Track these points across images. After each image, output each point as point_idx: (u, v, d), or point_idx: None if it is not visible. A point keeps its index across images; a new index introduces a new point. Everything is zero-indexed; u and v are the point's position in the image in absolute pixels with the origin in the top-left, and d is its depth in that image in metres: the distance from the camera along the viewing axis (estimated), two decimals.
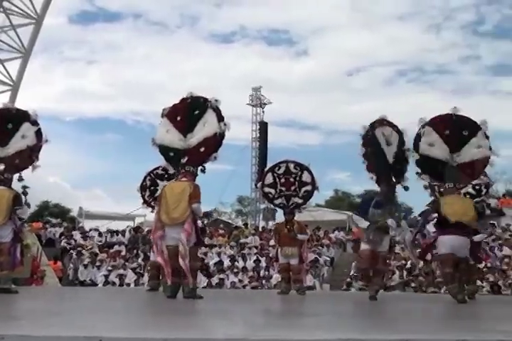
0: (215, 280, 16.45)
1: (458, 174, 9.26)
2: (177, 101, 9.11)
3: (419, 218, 10.87)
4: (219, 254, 18.52)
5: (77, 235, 20.60)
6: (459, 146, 9.45)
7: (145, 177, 11.80)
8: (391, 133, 9.56)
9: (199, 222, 9.33)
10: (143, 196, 11.81)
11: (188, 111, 8.92)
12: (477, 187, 11.28)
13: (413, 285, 15.63)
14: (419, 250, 10.74)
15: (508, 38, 68.78)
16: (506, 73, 67.72)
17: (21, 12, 36.37)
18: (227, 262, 17.83)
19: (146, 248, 16.25)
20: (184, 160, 8.65)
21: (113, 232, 21.26)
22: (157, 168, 11.60)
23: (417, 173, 9.62)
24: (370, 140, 9.52)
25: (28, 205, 9.52)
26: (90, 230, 21.60)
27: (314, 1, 61.39)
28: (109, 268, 17.53)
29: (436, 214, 9.13)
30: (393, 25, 60.86)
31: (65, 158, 55.43)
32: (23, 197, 9.31)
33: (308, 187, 11.42)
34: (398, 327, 5.23)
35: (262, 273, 17.38)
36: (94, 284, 17.07)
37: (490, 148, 9.53)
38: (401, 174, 9.70)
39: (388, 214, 9.31)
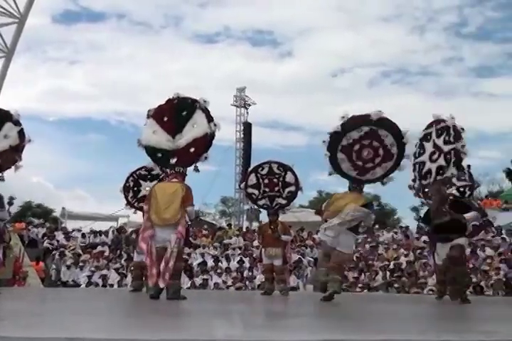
0: (198, 280, 16.41)
1: None
2: (162, 102, 9.10)
3: None
4: (202, 255, 18.49)
5: (59, 236, 20.49)
6: None
7: (128, 178, 11.73)
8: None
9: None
10: (126, 197, 11.76)
11: (175, 112, 8.90)
12: (461, 189, 11.36)
13: (396, 285, 15.69)
14: None
15: (491, 40, 69.39)
16: (489, 75, 68.35)
17: (4, 11, 36.09)
18: (210, 263, 17.80)
19: (130, 248, 16.19)
20: (173, 161, 8.64)
21: (96, 233, 21.16)
22: (140, 169, 11.55)
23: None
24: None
25: (9, 213, 9.44)
26: (73, 231, 21.50)
27: (299, 2, 61.55)
28: (92, 268, 17.46)
29: None
30: (378, 27, 61.21)
31: (48, 158, 55.30)
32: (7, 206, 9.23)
33: (292, 188, 11.42)
34: (381, 327, 5.25)
35: (245, 273, 17.36)
36: (77, 285, 16.99)
37: None
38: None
39: None
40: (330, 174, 9.61)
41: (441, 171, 9.49)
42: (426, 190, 9.99)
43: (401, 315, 7.53)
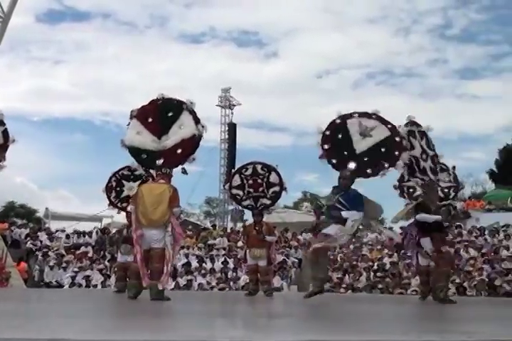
0: (182, 281, 16.39)
1: None
2: (146, 103, 9.07)
3: None
4: (187, 256, 18.46)
5: (43, 236, 20.39)
6: None
7: (110, 178, 11.70)
8: (376, 128, 9.22)
9: None
10: (108, 197, 11.73)
11: (160, 113, 8.89)
12: (446, 190, 11.45)
13: (380, 286, 15.74)
14: None
15: (475, 42, 69.65)
16: (473, 77, 68.61)
17: None
18: (194, 263, 17.77)
19: (114, 249, 16.13)
20: (160, 162, 8.62)
21: (80, 233, 21.07)
22: (122, 169, 11.53)
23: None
24: (337, 126, 9.32)
25: None
26: (57, 231, 21.40)
27: (284, 3, 61.52)
28: (76, 269, 17.39)
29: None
30: (363, 28, 61.25)
31: (32, 158, 54.86)
32: None
33: (276, 188, 11.45)
34: (365, 328, 5.26)
35: (229, 274, 17.36)
36: (60, 286, 16.93)
37: None
38: (366, 166, 9.49)
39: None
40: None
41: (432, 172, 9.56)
42: (410, 190, 10.04)
43: (384, 315, 7.55)
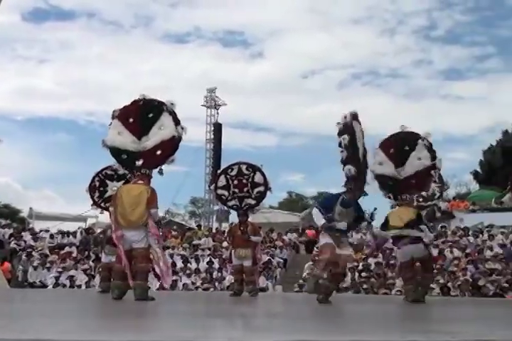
0: None
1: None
2: (128, 103, 9.06)
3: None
4: (172, 256, 18.41)
5: (27, 236, 20.29)
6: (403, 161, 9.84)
7: (93, 178, 11.66)
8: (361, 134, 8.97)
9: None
10: (92, 197, 11.68)
11: (141, 114, 8.89)
12: (431, 191, 11.49)
13: (365, 286, 15.77)
14: None
15: (459, 43, 70.03)
16: (457, 78, 68.95)
17: None
18: (179, 264, 17.74)
19: (98, 249, 16.07)
20: (139, 163, 8.63)
21: (64, 233, 20.98)
22: (106, 169, 11.48)
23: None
24: (348, 128, 8.75)
25: None
26: (41, 231, 21.28)
27: (270, 4, 61.48)
28: (60, 269, 17.30)
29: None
30: (348, 29, 61.35)
31: (16, 158, 54.59)
32: None
33: (261, 188, 11.46)
34: (350, 328, 5.28)
35: (214, 274, 17.34)
36: (44, 286, 16.84)
37: (434, 158, 9.81)
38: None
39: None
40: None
41: None
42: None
43: (368, 315, 7.57)
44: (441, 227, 19.49)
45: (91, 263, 17.63)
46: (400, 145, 9.93)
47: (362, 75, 76.86)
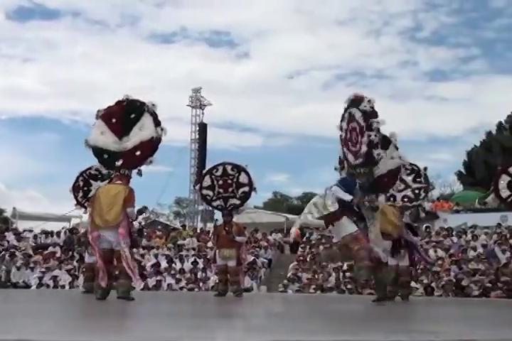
0: (151, 282, 16.30)
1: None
2: (112, 103, 9.08)
3: None
4: (156, 256, 18.38)
5: (10, 236, 20.17)
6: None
7: (77, 178, 11.65)
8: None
9: (136, 224, 9.33)
10: (75, 197, 11.66)
11: (123, 114, 8.94)
12: (416, 191, 11.53)
13: (349, 286, 15.80)
14: None
15: (444, 45, 70.37)
16: (442, 79, 69.21)
17: None
18: (164, 264, 17.69)
19: (82, 249, 16.00)
20: (119, 163, 8.68)
21: (48, 233, 20.87)
22: (90, 168, 11.48)
23: None
24: (377, 113, 8.70)
25: None
26: (24, 231, 21.17)
27: (256, 4, 61.45)
28: (43, 269, 17.20)
29: None
30: (334, 30, 61.35)
31: None
32: None
33: (246, 188, 11.47)
34: (333, 328, 5.28)
35: (199, 275, 17.30)
36: (27, 286, 16.74)
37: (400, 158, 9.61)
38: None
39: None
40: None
41: None
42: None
43: (352, 315, 7.59)
44: (426, 228, 19.61)
45: (75, 263, 17.54)
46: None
47: (347, 76, 77.00)
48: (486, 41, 60.58)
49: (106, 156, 8.86)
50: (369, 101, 8.68)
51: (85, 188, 11.53)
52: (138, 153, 8.71)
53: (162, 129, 8.88)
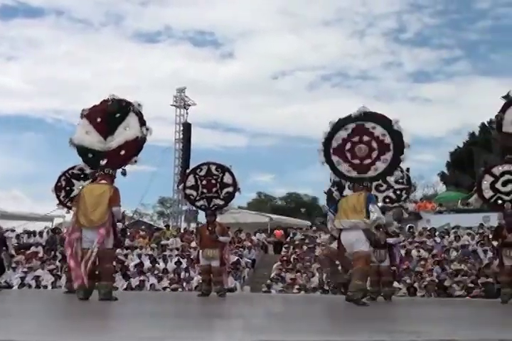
0: (134, 282, 16.26)
1: None
2: (97, 103, 9.06)
3: None
4: (139, 256, 18.34)
5: None
6: None
7: (60, 177, 11.60)
8: None
9: (119, 224, 9.30)
10: (58, 196, 11.61)
11: (108, 114, 8.89)
12: (398, 192, 11.58)
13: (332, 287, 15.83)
14: None
15: (428, 46, 70.73)
16: (425, 80, 69.59)
17: None
18: (147, 264, 17.66)
19: (64, 249, 15.92)
20: (103, 163, 8.64)
21: (30, 233, 20.76)
22: (72, 168, 11.44)
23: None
24: None
25: None
26: (6, 231, 21.00)
27: (241, 4, 61.50)
28: (25, 269, 17.11)
29: None
30: (319, 31, 61.55)
31: None
32: None
33: (230, 189, 11.46)
34: (316, 328, 5.29)
35: (182, 275, 17.27)
36: (9, 286, 16.62)
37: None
38: None
39: None
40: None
41: None
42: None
43: (335, 315, 7.62)
44: (409, 228, 19.69)
45: (57, 263, 17.46)
46: None
47: (332, 77, 77.39)
48: (469, 43, 61.08)
49: (90, 155, 8.84)
50: (396, 122, 8.95)
51: (68, 188, 11.49)
52: (122, 152, 8.69)
53: (147, 129, 8.86)
